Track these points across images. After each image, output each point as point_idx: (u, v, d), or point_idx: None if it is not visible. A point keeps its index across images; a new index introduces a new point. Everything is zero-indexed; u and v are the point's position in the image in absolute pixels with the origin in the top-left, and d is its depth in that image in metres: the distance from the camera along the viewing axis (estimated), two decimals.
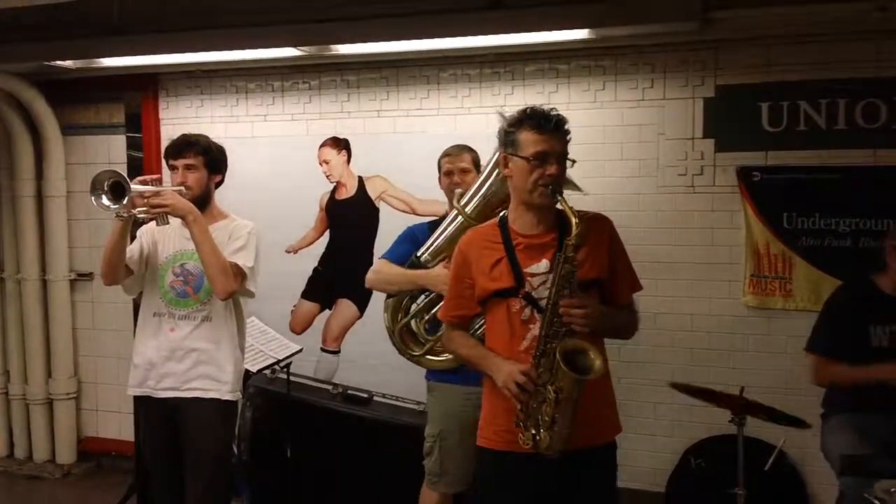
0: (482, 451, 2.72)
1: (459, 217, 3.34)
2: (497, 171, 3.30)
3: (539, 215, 2.60)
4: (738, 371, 4.26)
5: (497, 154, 3.26)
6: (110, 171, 3.08)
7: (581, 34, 4.12)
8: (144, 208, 3.18)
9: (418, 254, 3.46)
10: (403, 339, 3.55)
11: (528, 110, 2.58)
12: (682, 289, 4.43)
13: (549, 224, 2.60)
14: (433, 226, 3.61)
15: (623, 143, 4.49)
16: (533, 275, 2.56)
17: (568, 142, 2.61)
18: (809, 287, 4.23)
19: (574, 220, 2.43)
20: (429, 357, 3.53)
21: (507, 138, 2.61)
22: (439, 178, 3.74)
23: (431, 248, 3.45)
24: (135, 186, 3.11)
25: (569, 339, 2.43)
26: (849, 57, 4.13)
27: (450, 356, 3.44)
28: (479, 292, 2.65)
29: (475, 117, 4.68)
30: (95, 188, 3.07)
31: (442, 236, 3.44)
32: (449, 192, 3.62)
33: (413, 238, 3.60)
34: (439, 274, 3.30)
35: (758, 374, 4.24)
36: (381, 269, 3.61)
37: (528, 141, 2.54)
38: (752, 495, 3.63)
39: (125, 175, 3.08)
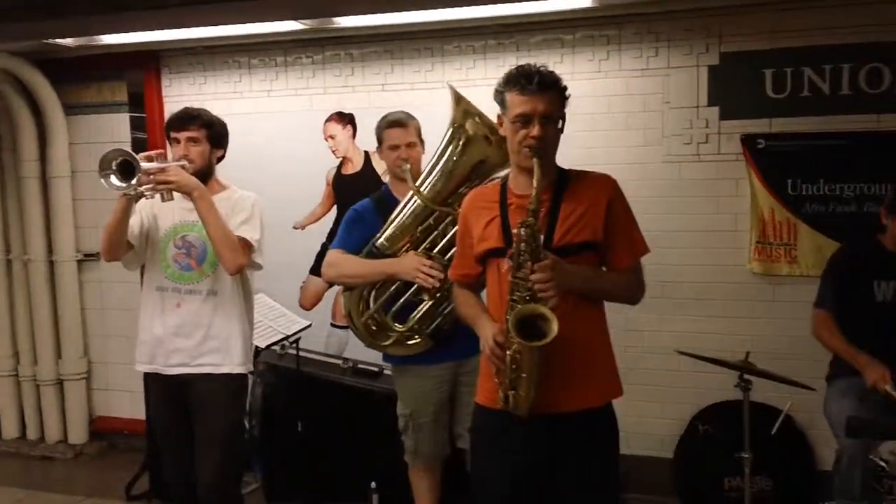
0: (476, 406, 2.72)
1: (416, 199, 3.25)
2: (453, 146, 3.21)
3: (532, 175, 2.49)
4: (744, 337, 4.25)
5: (450, 130, 3.23)
6: (118, 150, 3.01)
7: (586, 2, 4.11)
8: (150, 185, 3.11)
9: (376, 242, 3.32)
10: (370, 331, 3.41)
11: (515, 70, 2.53)
12: (688, 257, 4.45)
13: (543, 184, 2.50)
14: (377, 203, 3.50)
15: (628, 113, 4.49)
16: None
17: (564, 100, 2.56)
18: (814, 253, 4.25)
19: (534, 183, 2.39)
20: (397, 346, 3.41)
21: (498, 98, 2.58)
22: (379, 150, 3.58)
23: (388, 234, 3.31)
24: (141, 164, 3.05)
25: (531, 303, 2.38)
26: (852, 22, 4.11)
27: (417, 342, 3.38)
28: (475, 252, 2.65)
29: (480, 89, 4.55)
30: (103, 168, 3.00)
31: (397, 222, 3.31)
32: (396, 168, 3.45)
33: (361, 220, 3.46)
34: (412, 261, 3.22)
35: (764, 340, 4.24)
36: (337, 261, 3.40)
37: (513, 102, 2.50)
38: (759, 459, 3.68)
39: (132, 152, 3.01)
